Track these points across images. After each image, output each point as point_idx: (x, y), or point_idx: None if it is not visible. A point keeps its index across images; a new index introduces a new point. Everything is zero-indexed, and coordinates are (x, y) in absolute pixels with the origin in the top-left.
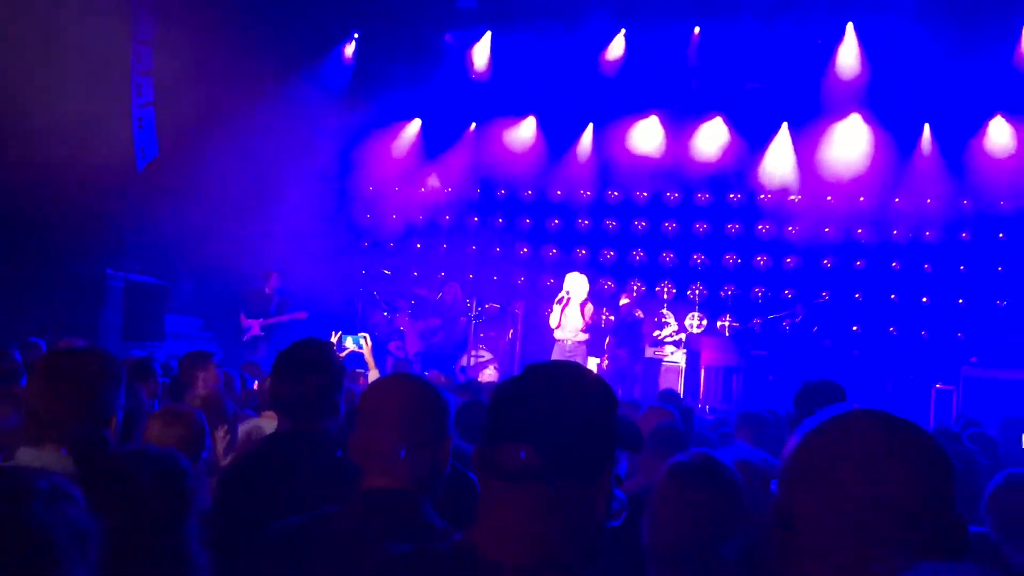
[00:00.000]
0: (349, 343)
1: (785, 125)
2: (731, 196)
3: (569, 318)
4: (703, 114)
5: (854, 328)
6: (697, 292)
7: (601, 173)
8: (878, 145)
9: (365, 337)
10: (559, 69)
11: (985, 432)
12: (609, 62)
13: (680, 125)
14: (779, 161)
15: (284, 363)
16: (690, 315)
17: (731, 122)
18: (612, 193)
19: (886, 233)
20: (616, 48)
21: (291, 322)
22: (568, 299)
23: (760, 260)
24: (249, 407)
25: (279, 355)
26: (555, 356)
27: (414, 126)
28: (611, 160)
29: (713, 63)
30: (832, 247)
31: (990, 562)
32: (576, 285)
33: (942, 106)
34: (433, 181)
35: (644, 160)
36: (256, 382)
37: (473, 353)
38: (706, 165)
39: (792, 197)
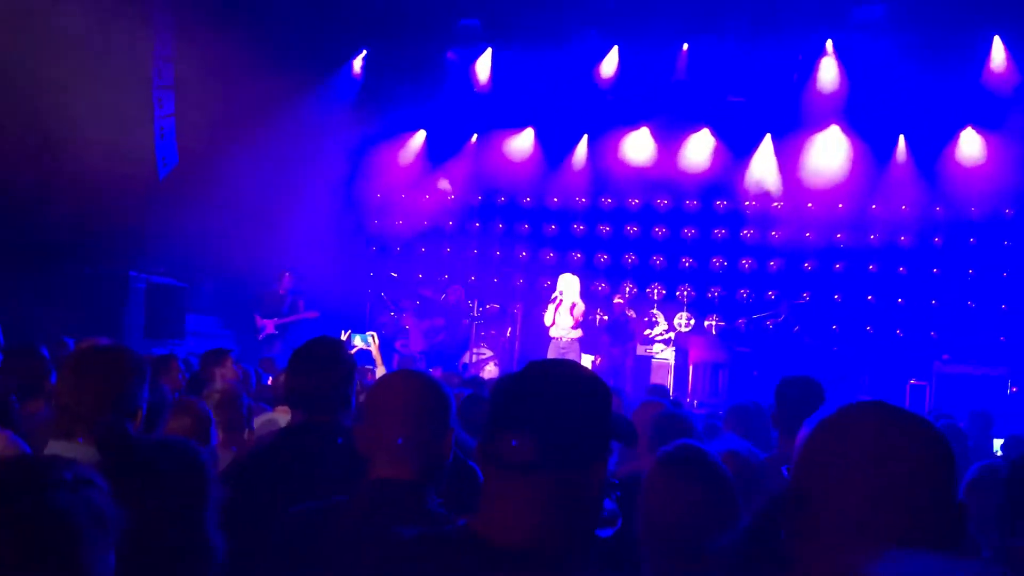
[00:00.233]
0: (357, 341)
1: (768, 136)
2: (718, 203)
3: (562, 316)
4: (691, 126)
5: (833, 327)
6: (686, 293)
7: (595, 181)
8: (856, 155)
9: (373, 335)
10: (556, 84)
11: (956, 424)
12: (603, 77)
13: (669, 136)
14: (763, 170)
15: (299, 359)
16: (679, 315)
17: (717, 133)
18: (605, 200)
19: (863, 238)
20: (609, 64)
21: (303, 321)
22: (561, 299)
23: (745, 263)
24: (264, 401)
25: (294, 352)
26: (550, 353)
27: (419, 137)
28: (605, 169)
29: (701, 78)
30: (813, 251)
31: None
32: (568, 285)
33: (916, 118)
34: (444, 184)
35: (636, 169)
36: (271, 378)
37: (474, 351)
38: (694, 174)
39: (775, 204)
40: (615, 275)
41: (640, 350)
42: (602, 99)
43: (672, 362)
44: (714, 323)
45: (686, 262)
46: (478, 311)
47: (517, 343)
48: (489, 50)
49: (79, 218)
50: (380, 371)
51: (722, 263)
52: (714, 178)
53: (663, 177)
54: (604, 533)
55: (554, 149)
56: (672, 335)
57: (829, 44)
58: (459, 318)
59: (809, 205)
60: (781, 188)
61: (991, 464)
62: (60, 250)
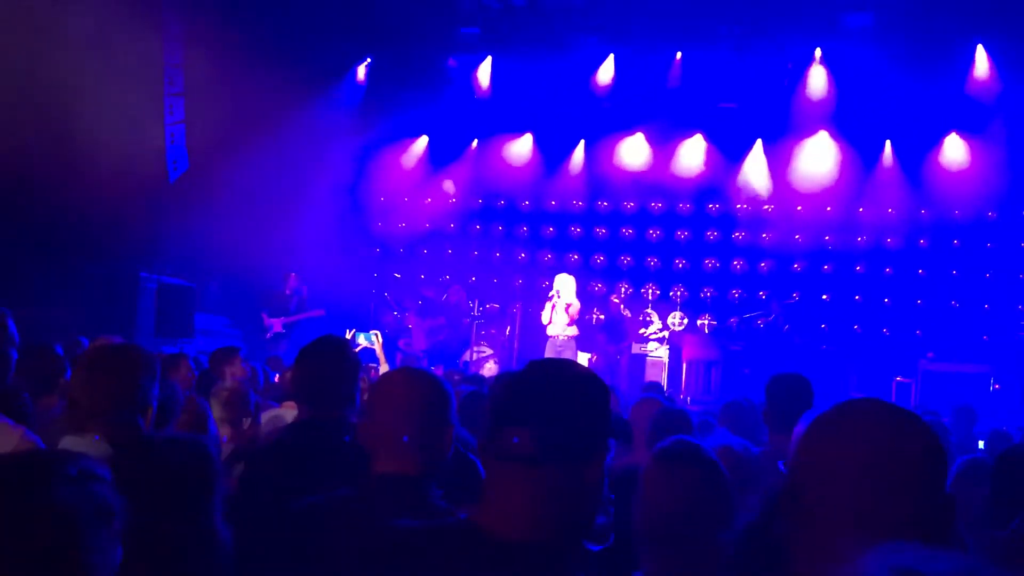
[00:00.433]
0: (362, 340)
1: (759, 141)
2: (710, 206)
3: (559, 315)
4: (685, 131)
5: (822, 326)
6: (679, 293)
7: (592, 185)
8: (844, 160)
9: (376, 334)
10: (554, 90)
11: (940, 420)
12: (599, 85)
13: (664, 141)
14: (754, 174)
15: (305, 357)
16: (672, 314)
17: (710, 139)
18: (602, 203)
19: (851, 240)
20: (606, 71)
21: (309, 320)
22: (557, 298)
23: (737, 264)
24: (271, 398)
25: (301, 350)
26: (547, 351)
27: (421, 142)
28: (601, 173)
29: (694, 85)
30: (802, 252)
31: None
32: (564, 285)
33: (902, 124)
34: (448, 186)
35: (631, 173)
36: (277, 375)
37: (475, 349)
38: (687, 178)
39: (766, 207)
40: (611, 276)
41: (635, 348)
42: (598, 106)
43: (666, 360)
44: (707, 322)
45: (680, 263)
46: (478, 311)
47: (516, 342)
48: (489, 58)
49: (92, 220)
50: (384, 369)
51: (714, 264)
52: (707, 182)
53: (657, 181)
54: (595, 547)
55: (552, 154)
56: (666, 334)
57: (818, 52)
58: (460, 317)
59: (799, 208)
60: (772, 191)
61: (975, 458)
62: (74, 251)
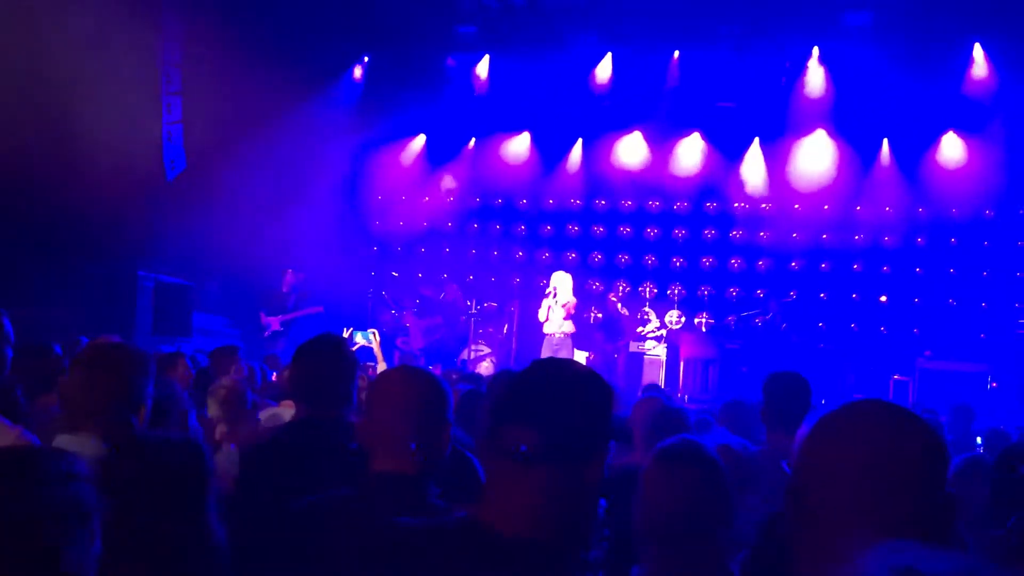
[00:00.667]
0: (359, 338)
1: (757, 140)
2: (708, 205)
3: (556, 313)
4: (682, 130)
5: (819, 324)
6: (677, 292)
7: (589, 184)
8: (841, 158)
9: (374, 333)
10: (551, 89)
11: (938, 419)
12: (597, 83)
13: (661, 140)
14: (751, 173)
15: (303, 355)
16: (670, 312)
17: (708, 137)
18: (599, 202)
19: (849, 238)
20: (603, 70)
21: (307, 318)
22: (555, 295)
23: (734, 263)
24: (269, 396)
25: (298, 348)
26: (544, 349)
27: (419, 141)
28: (598, 172)
29: (691, 84)
30: (799, 251)
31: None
32: (561, 282)
33: (899, 123)
34: (448, 182)
35: (628, 172)
36: (275, 374)
37: (472, 347)
38: (685, 177)
39: (763, 205)
40: (609, 274)
41: (632, 347)
42: (596, 104)
43: (664, 358)
44: (704, 321)
45: (677, 262)
46: (476, 309)
47: (514, 340)
48: (487, 57)
49: (90, 219)
50: (381, 367)
51: (712, 263)
52: (704, 181)
53: (655, 180)
54: (591, 555)
55: (550, 153)
56: (664, 332)
57: (816, 51)
58: (457, 316)
59: (796, 206)
60: (769, 190)
61: (973, 457)
62: (72, 250)
